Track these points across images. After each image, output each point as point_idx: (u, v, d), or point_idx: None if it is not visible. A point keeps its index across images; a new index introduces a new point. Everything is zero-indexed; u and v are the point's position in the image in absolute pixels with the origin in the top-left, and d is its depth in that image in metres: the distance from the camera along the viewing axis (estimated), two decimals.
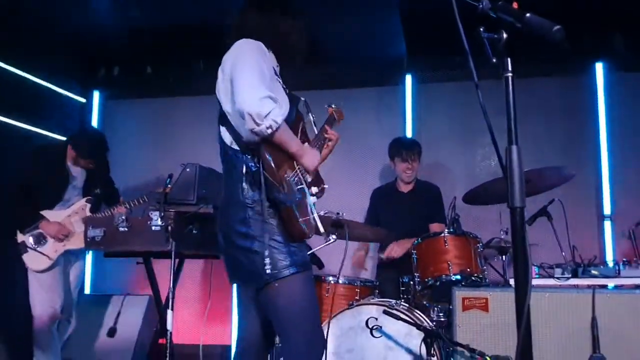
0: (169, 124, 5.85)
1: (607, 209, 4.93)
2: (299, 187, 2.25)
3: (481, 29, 1.22)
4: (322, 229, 2.31)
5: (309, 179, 2.37)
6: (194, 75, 5.72)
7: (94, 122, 6.08)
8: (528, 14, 1.16)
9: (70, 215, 4.16)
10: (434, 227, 4.29)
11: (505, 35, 1.19)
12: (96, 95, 6.16)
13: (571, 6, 4.31)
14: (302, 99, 2.60)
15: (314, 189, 2.35)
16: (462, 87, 5.07)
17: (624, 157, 4.96)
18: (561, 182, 3.62)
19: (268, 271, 2.15)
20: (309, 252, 3.81)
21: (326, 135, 2.66)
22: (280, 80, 2.41)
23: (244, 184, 2.20)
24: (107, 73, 5.96)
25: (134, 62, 5.87)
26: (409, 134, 5.40)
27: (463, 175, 5.08)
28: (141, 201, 4.07)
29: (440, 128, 5.38)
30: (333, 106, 3.03)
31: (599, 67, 5.15)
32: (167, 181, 3.76)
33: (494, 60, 1.25)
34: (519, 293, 1.10)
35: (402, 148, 4.46)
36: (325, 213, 2.54)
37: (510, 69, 1.18)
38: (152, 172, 5.52)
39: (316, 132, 2.64)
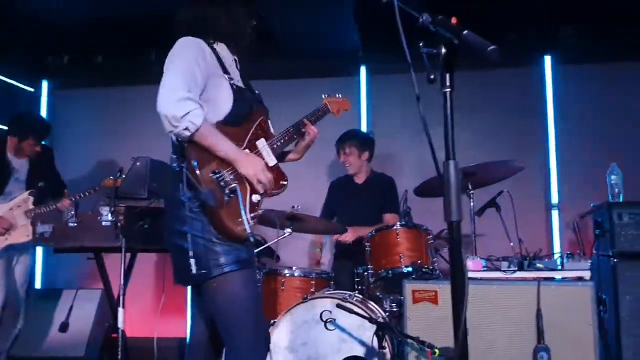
0: (121, 113, 5.73)
1: (554, 199, 5.08)
2: (230, 186, 2.15)
3: (421, 44, 1.24)
4: (247, 231, 2.15)
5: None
6: (146, 64, 5.60)
7: (43, 112, 5.92)
8: (465, 31, 1.18)
9: (12, 208, 4.04)
10: (387, 217, 4.35)
11: (444, 50, 1.21)
12: (45, 84, 5.99)
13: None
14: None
15: (260, 187, 2.23)
16: (417, 79, 5.10)
17: (571, 149, 5.10)
18: (510, 174, 3.71)
19: (198, 270, 2.12)
20: (264, 246, 3.84)
21: (303, 130, 2.58)
22: (230, 76, 2.30)
23: (179, 182, 2.17)
24: (57, 62, 5.80)
25: (84, 51, 5.72)
26: (363, 125, 5.43)
27: (415, 167, 5.13)
28: (87, 193, 3.98)
29: (394, 120, 5.42)
30: (338, 96, 2.94)
31: (548, 60, 5.27)
32: (117, 175, 3.71)
33: (432, 76, 1.27)
34: (456, 305, 1.14)
35: (337, 141, 4.53)
36: (262, 211, 2.38)
37: (448, 84, 1.20)
38: (103, 163, 5.42)
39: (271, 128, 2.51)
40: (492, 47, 1.14)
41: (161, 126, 5.57)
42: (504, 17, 4.71)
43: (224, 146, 2.17)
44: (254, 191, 2.24)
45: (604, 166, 4.04)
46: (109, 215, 3.60)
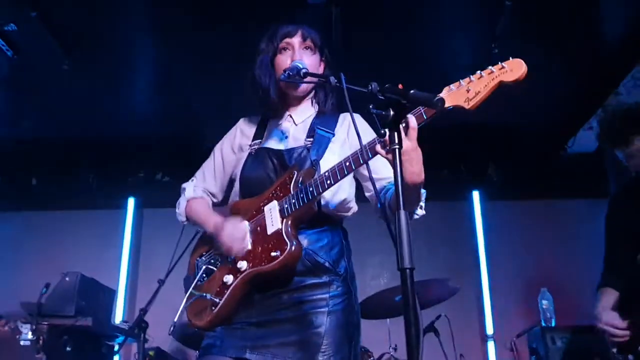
0: (54, 237, 5.51)
1: (489, 329, 5.11)
2: (207, 266, 1.96)
3: (371, 106, 1.34)
4: (182, 318, 1.90)
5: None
6: (83, 189, 5.54)
7: None
8: (412, 91, 1.29)
9: None
10: None
11: (392, 112, 1.31)
12: None
13: (450, 139, 4.72)
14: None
15: (242, 263, 1.83)
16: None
17: (502, 277, 5.25)
18: (447, 295, 3.74)
19: None
20: None
21: (381, 152, 1.61)
22: (260, 140, 2.08)
23: None
24: None
25: (18, 173, 5.61)
26: None
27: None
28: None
29: None
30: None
31: (476, 195, 5.59)
32: (43, 290, 3.51)
33: (383, 131, 1.36)
34: (411, 353, 1.12)
35: None
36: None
37: (397, 141, 1.29)
38: (31, 287, 5.13)
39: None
40: (437, 98, 1.25)
41: (98, 248, 5.40)
42: (436, 155, 5.03)
43: (206, 223, 2.02)
44: (231, 270, 1.87)
45: (536, 292, 4.16)
46: (30, 333, 3.35)
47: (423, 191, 1.79)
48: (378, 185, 1.91)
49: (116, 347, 4.04)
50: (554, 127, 5.11)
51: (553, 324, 4.01)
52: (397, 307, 3.67)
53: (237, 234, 1.87)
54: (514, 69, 1.48)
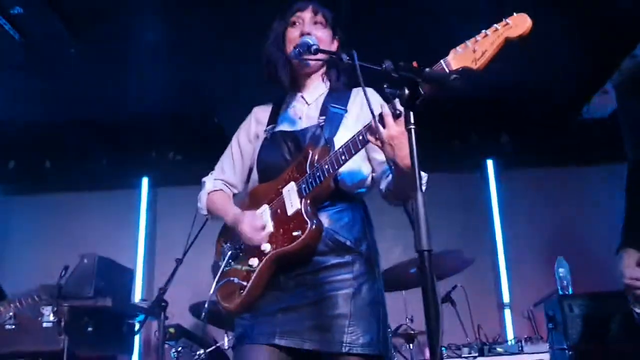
0: (69, 219, 5.56)
1: (506, 298, 5.12)
2: (232, 251, 1.97)
3: (385, 85, 1.31)
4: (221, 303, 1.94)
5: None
6: (97, 171, 5.58)
7: None
8: (427, 69, 1.26)
9: None
10: None
11: (407, 91, 1.28)
12: None
13: (462, 108, 4.66)
14: None
15: (266, 246, 1.86)
16: None
17: (518, 246, 5.24)
18: (462, 266, 3.74)
19: None
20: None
21: (371, 139, 1.68)
22: (274, 125, 2.07)
23: None
24: (2, 167, 5.68)
25: (31, 156, 5.64)
26: None
27: None
28: (30, 300, 3.74)
29: None
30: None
31: (490, 164, 5.55)
32: (62, 273, 3.54)
33: (398, 111, 1.33)
34: (432, 337, 1.12)
35: None
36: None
37: (412, 121, 1.25)
38: (49, 270, 5.20)
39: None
40: (454, 76, 1.21)
41: (112, 231, 5.39)
42: (445, 126, 4.97)
43: (226, 215, 2.06)
44: (256, 254, 1.89)
45: (552, 261, 4.14)
46: (51, 315, 3.40)
47: (424, 174, 1.74)
48: (381, 168, 1.92)
49: (137, 326, 4.10)
50: (569, 93, 5.02)
51: (570, 292, 4.00)
52: (413, 278, 3.69)
53: (256, 223, 1.90)
54: (519, 24, 1.45)
